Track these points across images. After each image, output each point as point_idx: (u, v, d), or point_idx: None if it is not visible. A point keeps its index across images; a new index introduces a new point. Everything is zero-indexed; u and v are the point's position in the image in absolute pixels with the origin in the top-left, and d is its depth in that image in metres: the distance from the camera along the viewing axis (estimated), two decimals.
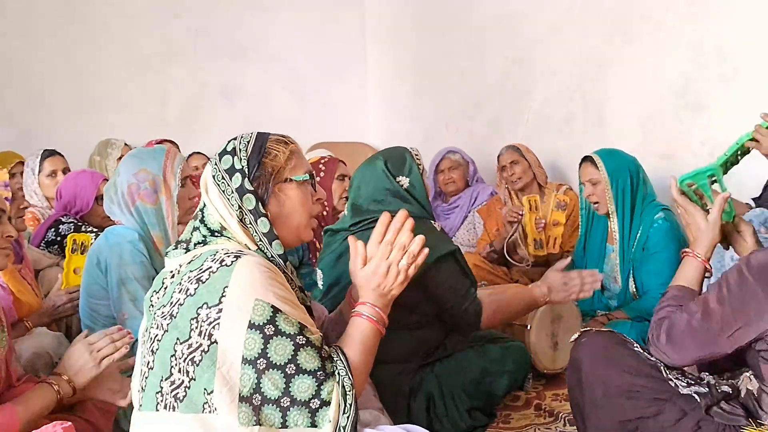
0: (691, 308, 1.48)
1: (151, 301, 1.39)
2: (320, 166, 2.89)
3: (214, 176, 1.40)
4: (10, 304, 2.12)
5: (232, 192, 1.37)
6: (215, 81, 4.65)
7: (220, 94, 4.66)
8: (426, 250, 1.40)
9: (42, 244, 2.80)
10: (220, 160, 1.41)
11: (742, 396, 1.51)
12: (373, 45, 5.10)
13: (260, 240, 1.38)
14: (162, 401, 1.26)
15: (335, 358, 1.31)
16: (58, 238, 2.80)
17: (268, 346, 1.22)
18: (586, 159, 2.73)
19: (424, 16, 4.64)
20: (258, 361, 1.22)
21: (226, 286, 1.25)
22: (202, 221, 1.41)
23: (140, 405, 1.31)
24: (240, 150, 1.40)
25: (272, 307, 1.25)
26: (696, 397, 1.48)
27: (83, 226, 2.85)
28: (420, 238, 1.39)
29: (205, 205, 1.41)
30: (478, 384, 2.05)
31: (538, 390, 2.39)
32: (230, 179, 1.37)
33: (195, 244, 1.39)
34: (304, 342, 1.25)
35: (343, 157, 3.16)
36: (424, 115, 4.74)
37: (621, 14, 3.32)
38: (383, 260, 1.38)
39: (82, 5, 4.22)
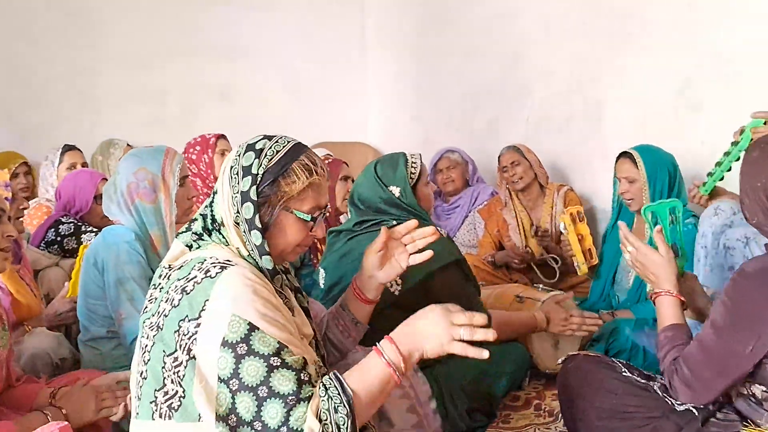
0: (701, 337, 1.43)
1: (148, 299, 1.37)
2: None
3: (231, 167, 1.34)
4: (9, 304, 2.12)
5: (237, 193, 1.32)
6: (214, 81, 4.64)
7: (219, 93, 4.66)
8: (486, 354, 1.27)
9: (42, 244, 2.80)
10: (243, 154, 1.34)
11: (735, 400, 1.51)
12: (372, 45, 5.09)
13: (252, 249, 1.32)
14: (157, 410, 1.24)
15: (329, 386, 1.22)
16: (58, 239, 2.79)
17: (239, 366, 1.17)
18: (625, 155, 2.67)
19: (424, 16, 4.64)
20: (231, 381, 1.17)
21: (207, 300, 1.21)
22: (211, 205, 1.38)
23: (137, 413, 1.29)
24: (265, 156, 1.33)
25: (249, 324, 1.19)
26: (694, 411, 1.48)
27: (83, 226, 2.86)
28: (482, 318, 1.28)
29: (217, 191, 1.37)
30: (477, 384, 2.05)
31: (538, 390, 2.38)
32: (241, 179, 1.32)
33: (193, 233, 1.36)
34: (278, 363, 1.18)
35: (342, 157, 3.16)
36: (424, 115, 4.73)
37: (620, 14, 3.32)
38: (449, 319, 1.27)
39: (81, 5, 4.22)
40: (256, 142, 1.36)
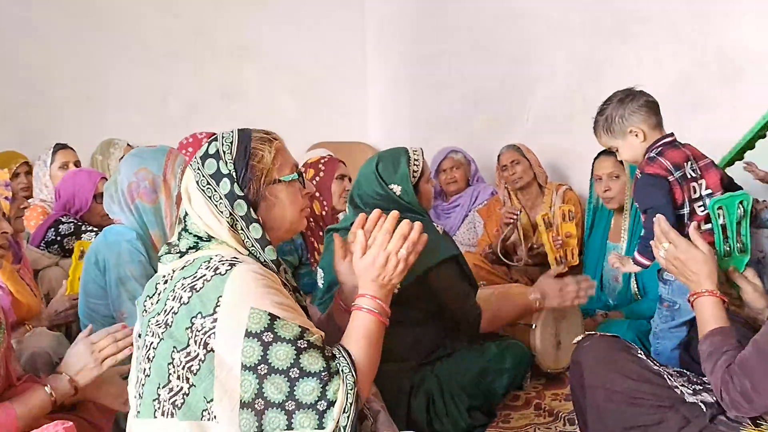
0: (761, 343, 1.32)
1: (145, 306, 1.36)
2: (320, 165, 2.89)
3: (198, 182, 1.34)
4: (9, 304, 2.12)
5: (221, 198, 1.32)
6: (215, 81, 4.64)
7: (220, 94, 4.66)
8: (425, 236, 1.39)
9: (42, 244, 2.80)
10: (203, 165, 1.34)
11: None
12: (373, 45, 5.10)
13: (252, 245, 1.34)
14: (160, 408, 1.25)
15: (338, 356, 1.28)
16: (58, 238, 2.80)
17: (268, 352, 1.20)
18: (607, 152, 2.66)
19: (424, 16, 4.64)
20: (259, 367, 1.20)
21: (220, 296, 1.23)
22: (185, 230, 1.37)
23: (138, 412, 1.29)
24: (224, 153, 1.34)
25: (269, 314, 1.22)
26: (702, 406, 1.44)
27: (83, 226, 2.86)
28: (419, 225, 1.38)
29: (186, 213, 1.37)
30: (477, 383, 2.05)
31: (538, 390, 2.38)
32: (217, 185, 1.32)
33: (188, 249, 1.36)
34: (305, 345, 1.23)
35: (342, 157, 3.16)
36: (424, 115, 4.74)
37: (621, 14, 3.32)
38: (382, 249, 1.35)
39: (83, 5, 4.22)
40: (206, 149, 1.37)
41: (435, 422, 1.98)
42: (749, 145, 2.26)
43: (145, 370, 1.29)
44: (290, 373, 1.20)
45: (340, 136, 4.87)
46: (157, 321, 1.29)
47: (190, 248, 1.36)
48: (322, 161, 2.92)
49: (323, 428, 1.20)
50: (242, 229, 1.33)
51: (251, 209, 1.33)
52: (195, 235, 1.36)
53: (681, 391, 1.48)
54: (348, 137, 4.93)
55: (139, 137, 3.97)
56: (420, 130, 4.72)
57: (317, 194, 2.84)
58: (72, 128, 4.07)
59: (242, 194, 1.32)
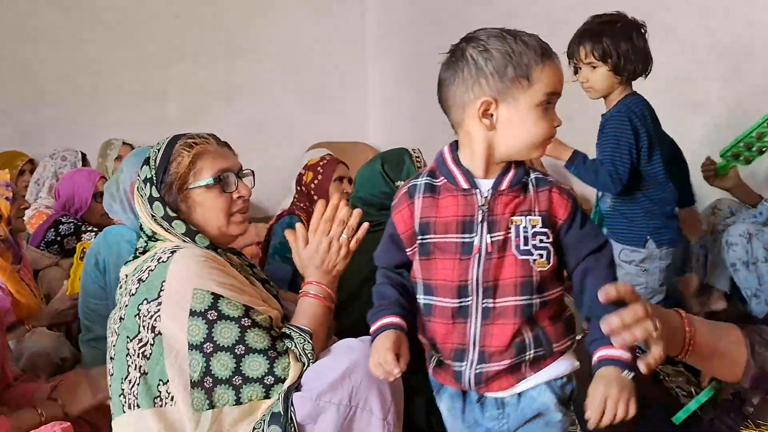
0: None
1: (113, 317, 1.40)
2: (318, 168, 2.87)
3: (138, 188, 1.45)
4: (8, 305, 2.12)
5: (146, 201, 1.41)
6: (216, 81, 4.65)
7: (220, 94, 4.67)
8: (366, 224, 1.45)
9: (42, 244, 2.80)
10: (140, 170, 1.45)
11: None
12: (373, 45, 5.10)
13: (183, 240, 1.39)
14: (126, 402, 1.28)
15: (295, 335, 1.32)
16: (58, 238, 2.80)
17: (213, 330, 1.24)
18: None
19: (425, 16, 4.64)
20: (205, 345, 1.24)
21: (164, 281, 1.28)
22: (141, 228, 1.46)
23: (113, 413, 1.32)
24: (152, 159, 1.43)
25: (212, 294, 1.26)
26: None
27: (83, 226, 2.86)
28: (357, 212, 1.44)
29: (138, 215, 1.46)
30: None
31: None
32: (145, 188, 1.42)
33: (140, 251, 1.43)
34: (249, 324, 1.27)
35: (342, 157, 3.14)
36: (424, 115, 4.73)
37: None
38: (324, 236, 1.42)
39: (83, 4, 4.23)
40: (147, 155, 1.46)
41: (435, 425, 1.97)
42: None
43: (109, 370, 1.33)
44: (236, 350, 1.24)
45: (340, 136, 4.88)
46: (114, 319, 1.35)
47: (142, 250, 1.43)
48: (321, 164, 2.90)
49: (269, 398, 1.25)
50: (167, 230, 1.39)
51: (168, 209, 1.38)
52: (146, 234, 1.43)
53: None
54: (348, 137, 4.93)
55: (139, 137, 3.97)
56: (420, 130, 4.71)
57: (315, 197, 2.84)
58: (71, 127, 4.08)
59: (159, 196, 1.39)
